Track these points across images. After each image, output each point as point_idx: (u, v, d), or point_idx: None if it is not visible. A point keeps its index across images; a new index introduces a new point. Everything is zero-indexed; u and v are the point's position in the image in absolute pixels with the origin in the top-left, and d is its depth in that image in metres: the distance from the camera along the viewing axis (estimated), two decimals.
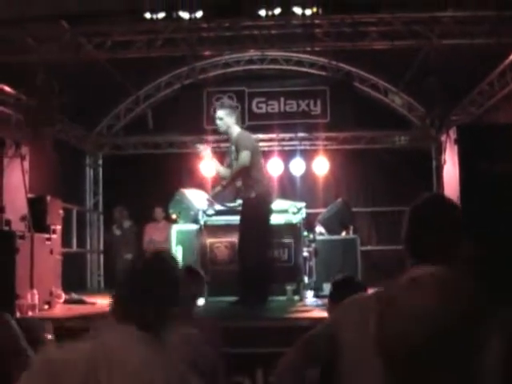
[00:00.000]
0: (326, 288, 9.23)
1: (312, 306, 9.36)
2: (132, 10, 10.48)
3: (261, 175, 9.19)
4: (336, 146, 15.49)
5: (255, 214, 8.90)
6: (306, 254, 11.01)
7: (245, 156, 8.80)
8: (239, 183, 9.12)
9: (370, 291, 3.03)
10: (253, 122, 14.25)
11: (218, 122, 9.13)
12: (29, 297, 7.89)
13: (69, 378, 2.53)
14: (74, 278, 12.54)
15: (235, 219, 9.66)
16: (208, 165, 11.19)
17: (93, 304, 9.42)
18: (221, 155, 10.88)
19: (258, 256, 8.83)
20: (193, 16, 10.37)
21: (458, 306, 1.67)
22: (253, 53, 14.39)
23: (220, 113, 9.16)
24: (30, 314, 7.78)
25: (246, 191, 9.00)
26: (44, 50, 10.58)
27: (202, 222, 10.34)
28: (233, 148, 9.12)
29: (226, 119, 9.06)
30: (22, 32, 10.40)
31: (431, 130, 14.41)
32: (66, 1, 10.21)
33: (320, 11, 10.64)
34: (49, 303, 8.60)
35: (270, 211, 9.17)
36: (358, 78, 15.25)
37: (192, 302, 5.11)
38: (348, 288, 4.66)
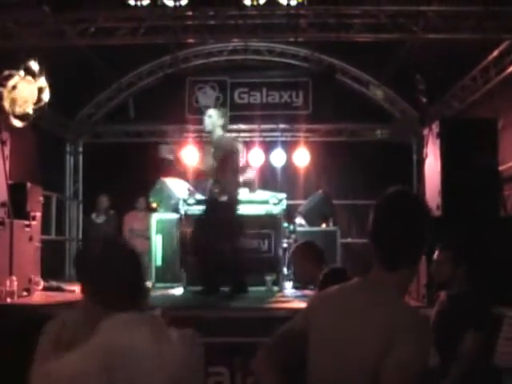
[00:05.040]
0: None
1: (291, 296, 9.38)
2: None
3: (237, 180, 9.24)
4: (317, 138, 15.50)
5: (225, 218, 8.85)
6: (285, 245, 11.03)
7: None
8: (215, 186, 9.03)
9: None
10: (235, 112, 14.22)
11: (207, 119, 9.08)
12: (8, 283, 7.84)
13: None
14: (52, 266, 12.45)
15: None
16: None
17: (71, 291, 9.33)
18: (202, 144, 10.84)
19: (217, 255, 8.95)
20: (177, 4, 10.34)
21: None
22: (236, 43, 14.34)
23: (211, 111, 9.16)
24: (8, 300, 7.73)
25: (219, 194, 8.92)
26: (26, 35, 10.47)
27: (182, 212, 10.31)
28: (216, 150, 9.05)
29: (214, 118, 9.04)
30: (5, 16, 10.29)
31: (412, 124, 14.46)
32: None
33: (305, 2, 10.65)
34: (28, 290, 8.54)
35: (239, 215, 9.19)
36: (341, 70, 15.24)
37: None
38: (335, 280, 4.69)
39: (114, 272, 2.80)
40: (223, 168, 8.82)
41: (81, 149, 16.28)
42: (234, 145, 9.29)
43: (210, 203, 9.15)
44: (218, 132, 9.10)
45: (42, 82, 9.09)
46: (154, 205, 11.49)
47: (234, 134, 14.38)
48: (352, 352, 2.52)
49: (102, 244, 3.04)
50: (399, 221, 2.64)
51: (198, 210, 10.15)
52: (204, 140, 10.10)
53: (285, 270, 10.71)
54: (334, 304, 2.73)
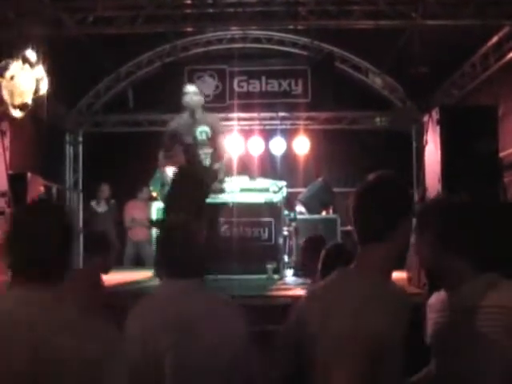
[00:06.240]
0: None
1: (292, 284, 9.38)
2: None
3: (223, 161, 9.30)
4: (317, 125, 15.49)
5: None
6: (286, 233, 11.01)
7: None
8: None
9: None
10: (234, 100, 14.26)
11: (193, 96, 8.98)
12: (9, 273, 7.83)
13: None
14: None
15: (216, 197, 9.70)
16: None
17: None
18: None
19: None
20: None
21: None
22: (235, 31, 14.32)
23: (195, 88, 9.07)
24: None
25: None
26: (25, 24, 10.43)
27: None
28: (203, 128, 8.95)
29: (200, 96, 8.96)
30: (3, 5, 10.25)
31: (412, 112, 14.45)
32: None
33: None
34: None
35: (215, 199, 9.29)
36: (340, 58, 15.21)
37: None
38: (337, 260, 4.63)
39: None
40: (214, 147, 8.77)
41: (80, 138, 16.22)
42: (221, 124, 9.29)
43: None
44: (200, 110, 9.03)
45: (41, 71, 9.09)
46: (154, 194, 11.48)
47: (233, 122, 14.47)
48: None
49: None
50: (361, 196, 2.83)
51: None
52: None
53: (285, 258, 10.72)
54: (321, 301, 2.75)
